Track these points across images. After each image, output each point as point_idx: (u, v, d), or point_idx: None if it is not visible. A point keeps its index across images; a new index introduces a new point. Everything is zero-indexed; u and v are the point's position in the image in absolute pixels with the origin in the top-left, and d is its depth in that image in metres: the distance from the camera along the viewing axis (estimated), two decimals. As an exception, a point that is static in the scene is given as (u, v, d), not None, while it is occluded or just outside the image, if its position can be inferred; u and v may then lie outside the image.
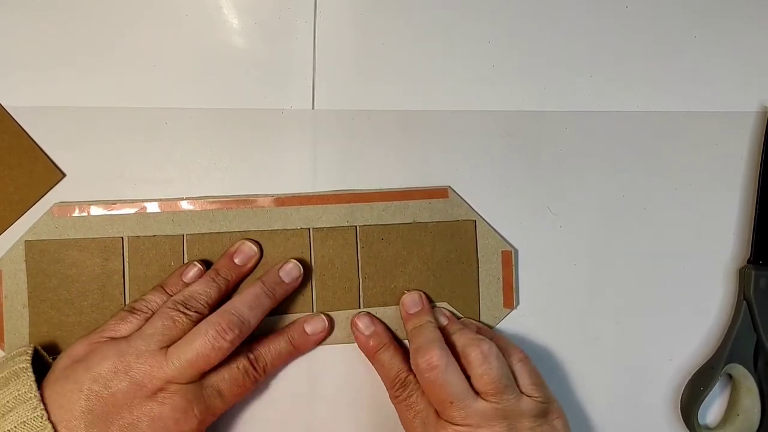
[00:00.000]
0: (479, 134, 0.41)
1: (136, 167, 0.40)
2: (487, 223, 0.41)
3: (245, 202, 0.40)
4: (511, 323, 0.41)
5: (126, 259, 0.38)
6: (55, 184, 0.39)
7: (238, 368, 0.36)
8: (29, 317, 0.38)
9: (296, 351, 0.39)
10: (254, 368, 0.37)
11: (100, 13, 0.40)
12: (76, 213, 0.39)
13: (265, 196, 0.40)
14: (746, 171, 0.43)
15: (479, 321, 0.41)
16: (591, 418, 0.41)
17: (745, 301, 0.41)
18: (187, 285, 0.37)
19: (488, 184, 0.41)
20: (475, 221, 0.41)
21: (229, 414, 0.39)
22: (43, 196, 0.39)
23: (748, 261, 0.42)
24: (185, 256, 0.39)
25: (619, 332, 0.42)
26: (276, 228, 0.40)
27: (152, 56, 0.40)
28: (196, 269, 0.38)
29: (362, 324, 0.39)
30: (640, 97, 0.42)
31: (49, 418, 0.32)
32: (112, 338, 0.35)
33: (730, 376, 0.42)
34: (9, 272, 0.38)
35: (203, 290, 0.36)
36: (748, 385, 0.41)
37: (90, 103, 0.39)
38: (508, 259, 0.41)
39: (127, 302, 0.38)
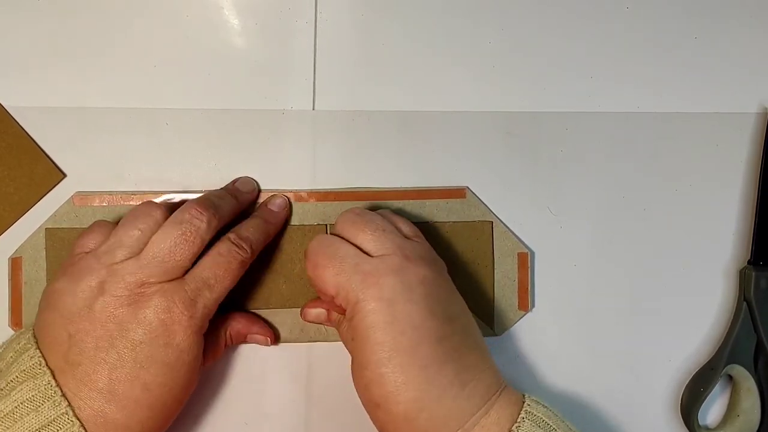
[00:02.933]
0: (479, 135, 0.41)
1: (136, 168, 0.40)
2: (504, 224, 0.41)
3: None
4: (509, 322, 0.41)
5: None
6: (56, 184, 0.39)
7: (221, 253, 0.34)
8: None
9: (271, 226, 0.38)
10: (237, 246, 0.35)
11: (100, 13, 0.40)
12: (96, 203, 0.39)
13: (284, 191, 0.40)
14: (746, 172, 0.43)
15: (493, 322, 0.41)
16: (590, 418, 0.41)
17: (745, 302, 0.41)
18: None
19: (488, 185, 0.41)
20: (492, 222, 0.41)
21: (227, 415, 0.39)
22: (44, 196, 0.39)
23: (749, 262, 0.42)
24: None
25: (619, 333, 0.42)
26: (293, 223, 0.40)
27: (152, 56, 0.40)
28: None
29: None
30: (640, 98, 0.42)
31: (40, 351, 0.32)
32: (85, 253, 0.34)
33: (730, 377, 0.42)
34: (29, 259, 0.38)
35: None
36: (749, 386, 0.41)
37: (90, 104, 0.40)
38: (524, 261, 0.41)
39: None
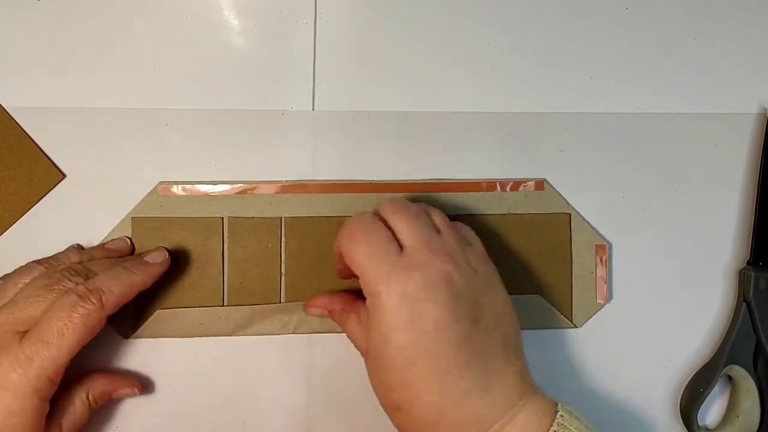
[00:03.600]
0: (479, 135, 0.41)
1: (136, 168, 0.40)
2: (582, 216, 0.41)
3: (343, 187, 0.40)
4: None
5: (225, 239, 0.39)
6: (56, 184, 0.39)
7: (61, 306, 0.32)
8: None
9: (137, 277, 0.35)
10: (82, 298, 0.32)
11: (100, 13, 0.40)
12: (180, 191, 0.39)
13: (362, 182, 0.40)
14: (746, 172, 0.43)
15: (571, 314, 0.41)
16: (589, 418, 0.41)
17: (744, 303, 0.41)
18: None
19: (488, 185, 0.41)
20: (570, 215, 0.41)
21: (227, 415, 0.39)
22: (44, 196, 0.39)
23: (748, 262, 0.42)
24: (283, 238, 0.39)
25: (618, 333, 0.42)
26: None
27: (152, 57, 0.40)
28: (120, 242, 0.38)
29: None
30: (640, 98, 0.42)
31: None
32: None
33: (729, 378, 0.42)
34: None
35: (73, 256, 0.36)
36: (748, 386, 0.41)
37: (90, 104, 0.40)
38: (602, 253, 0.41)
39: (226, 282, 0.39)
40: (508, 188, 0.41)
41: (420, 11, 0.41)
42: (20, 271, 0.35)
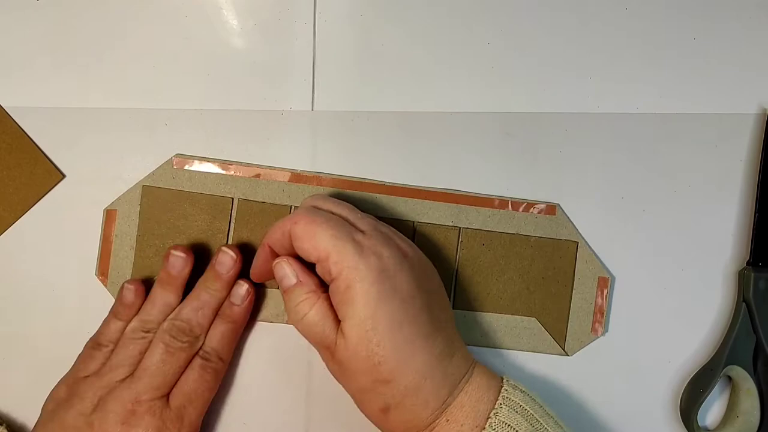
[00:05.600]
0: (479, 136, 0.41)
1: (135, 168, 0.40)
2: (590, 247, 0.41)
3: (356, 185, 0.40)
4: (510, 324, 0.41)
5: (232, 220, 0.39)
6: (55, 184, 0.39)
7: (193, 368, 0.37)
8: (134, 260, 0.39)
9: (236, 325, 0.38)
10: (207, 360, 0.37)
11: (99, 13, 0.40)
12: (195, 166, 0.39)
13: (378, 182, 0.40)
14: (745, 173, 0.43)
15: (564, 342, 0.41)
16: (590, 419, 0.41)
17: (744, 303, 0.41)
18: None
19: (487, 186, 0.41)
20: (578, 243, 0.41)
21: (226, 415, 0.39)
22: (43, 196, 0.39)
23: (748, 263, 0.42)
24: None
25: (618, 334, 0.42)
26: (383, 216, 0.40)
27: (152, 57, 0.40)
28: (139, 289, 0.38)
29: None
30: (639, 98, 0.42)
31: None
32: (87, 377, 0.36)
33: (729, 378, 0.42)
34: (123, 213, 0.39)
35: (156, 312, 0.37)
36: (748, 387, 0.41)
37: (90, 104, 0.40)
38: (604, 286, 0.41)
39: None
40: (520, 209, 0.41)
41: (419, 11, 0.41)
42: (131, 337, 0.37)
